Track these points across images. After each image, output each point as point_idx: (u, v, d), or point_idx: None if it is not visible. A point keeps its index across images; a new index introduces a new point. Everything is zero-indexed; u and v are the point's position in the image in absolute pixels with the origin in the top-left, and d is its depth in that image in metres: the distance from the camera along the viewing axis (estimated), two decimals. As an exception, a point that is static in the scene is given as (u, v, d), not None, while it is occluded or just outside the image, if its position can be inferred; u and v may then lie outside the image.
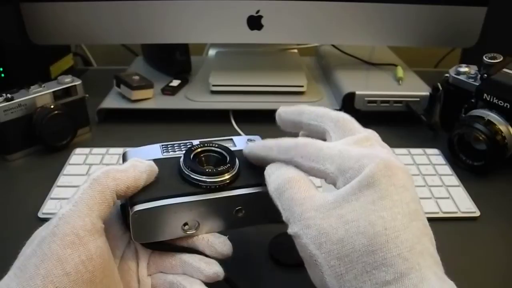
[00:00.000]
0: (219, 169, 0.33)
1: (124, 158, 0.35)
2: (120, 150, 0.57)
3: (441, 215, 0.48)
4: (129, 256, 0.34)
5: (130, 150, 0.35)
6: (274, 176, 0.31)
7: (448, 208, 0.49)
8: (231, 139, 0.38)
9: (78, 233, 0.28)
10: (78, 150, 0.58)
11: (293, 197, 0.28)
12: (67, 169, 0.54)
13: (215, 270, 0.32)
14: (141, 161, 0.32)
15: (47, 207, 0.48)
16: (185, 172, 0.33)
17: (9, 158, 0.57)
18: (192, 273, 0.33)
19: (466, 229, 0.47)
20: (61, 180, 0.52)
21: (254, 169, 0.35)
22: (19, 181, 0.54)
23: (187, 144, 0.36)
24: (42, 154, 0.59)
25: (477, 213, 0.49)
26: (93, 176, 0.30)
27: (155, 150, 0.36)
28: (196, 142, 0.36)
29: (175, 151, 0.36)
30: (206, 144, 0.35)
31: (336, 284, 0.26)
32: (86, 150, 0.58)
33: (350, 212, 0.26)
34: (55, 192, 0.50)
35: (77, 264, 0.27)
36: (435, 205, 0.49)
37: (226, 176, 0.33)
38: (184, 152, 0.35)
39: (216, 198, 0.33)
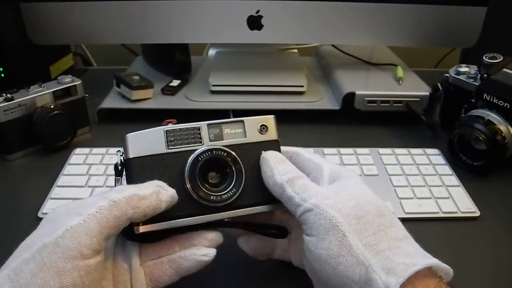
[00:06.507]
0: (223, 196, 0.34)
1: (125, 143, 0.34)
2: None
3: (441, 215, 0.48)
4: (118, 249, 0.34)
5: (131, 135, 0.35)
6: (282, 169, 0.34)
7: (448, 208, 0.49)
8: (242, 122, 0.37)
9: (82, 251, 0.27)
10: (78, 150, 0.58)
11: (306, 184, 0.33)
12: (67, 169, 0.54)
13: (213, 235, 0.34)
14: (165, 189, 0.32)
15: (47, 207, 0.48)
16: (190, 192, 0.33)
17: (9, 158, 0.57)
18: (193, 242, 0.34)
19: (466, 229, 0.47)
20: (61, 180, 0.52)
21: (259, 180, 0.35)
22: (19, 181, 0.54)
23: (194, 132, 0.36)
24: (42, 154, 0.59)
25: (477, 213, 0.49)
26: (113, 197, 0.29)
27: (159, 139, 0.35)
28: (204, 127, 0.36)
29: (181, 144, 0.35)
30: (214, 152, 0.35)
31: (358, 239, 0.30)
32: (86, 150, 0.58)
33: (354, 191, 0.33)
34: (55, 192, 0.50)
35: (75, 278, 0.27)
36: (435, 205, 0.49)
37: (231, 200, 0.34)
38: (190, 160, 0.34)
39: (219, 220, 0.35)
